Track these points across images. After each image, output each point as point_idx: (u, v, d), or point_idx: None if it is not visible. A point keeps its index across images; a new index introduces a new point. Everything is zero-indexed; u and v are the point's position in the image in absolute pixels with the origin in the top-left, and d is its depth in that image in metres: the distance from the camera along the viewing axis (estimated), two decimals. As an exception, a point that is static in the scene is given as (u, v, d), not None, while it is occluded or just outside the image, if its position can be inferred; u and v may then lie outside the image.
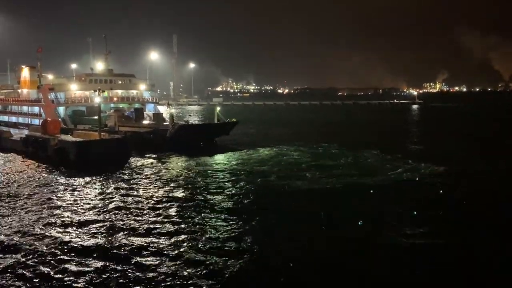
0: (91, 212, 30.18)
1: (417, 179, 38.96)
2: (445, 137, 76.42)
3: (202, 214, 28.94)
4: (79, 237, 24.90)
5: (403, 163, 45.48)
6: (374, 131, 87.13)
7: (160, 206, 31.15)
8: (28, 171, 45.56)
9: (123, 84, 77.04)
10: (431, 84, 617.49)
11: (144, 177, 41.63)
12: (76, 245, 23.56)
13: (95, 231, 26.01)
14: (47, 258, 21.94)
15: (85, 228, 26.55)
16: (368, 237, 24.12)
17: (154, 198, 33.32)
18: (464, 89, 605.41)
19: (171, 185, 37.87)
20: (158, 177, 41.16)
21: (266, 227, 26.10)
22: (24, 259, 21.79)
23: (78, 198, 33.96)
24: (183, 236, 24.66)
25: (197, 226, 26.41)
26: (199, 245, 23.17)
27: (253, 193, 34.43)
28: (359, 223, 26.40)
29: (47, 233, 25.65)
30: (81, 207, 31.45)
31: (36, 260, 21.64)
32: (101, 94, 53.49)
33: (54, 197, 34.39)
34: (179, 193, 34.84)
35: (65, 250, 22.88)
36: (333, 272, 20.12)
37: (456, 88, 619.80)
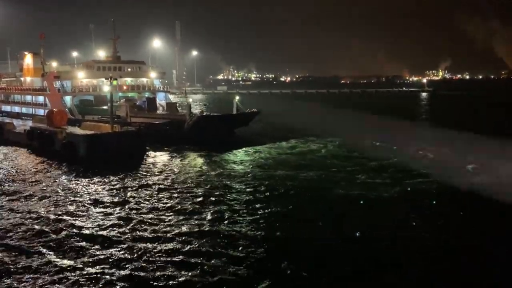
0: (102, 214, 27.24)
1: (497, 182, 33.01)
2: (487, 126, 69.31)
3: (222, 219, 25.80)
4: (88, 240, 22.82)
5: (465, 161, 39.69)
6: (402, 121, 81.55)
7: (178, 210, 27.62)
8: (33, 168, 41.24)
9: (133, 71, 72.17)
10: (433, 71, 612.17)
11: (162, 175, 37.26)
12: (84, 248, 21.77)
13: (105, 233, 23.63)
14: (52, 262, 20.24)
15: (95, 231, 24.08)
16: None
17: (173, 202, 29.33)
18: (467, 77, 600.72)
19: (192, 186, 33.45)
20: (177, 176, 36.74)
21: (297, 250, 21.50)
22: (27, 264, 20.15)
23: (89, 199, 30.33)
24: (198, 242, 22.28)
25: (214, 231, 23.66)
26: (213, 252, 21.16)
27: (285, 200, 29.62)
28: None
29: (54, 235, 23.44)
30: (92, 209, 28.25)
31: (39, 264, 20.04)
32: (112, 83, 48.73)
33: (63, 197, 30.81)
34: (201, 196, 30.54)
35: (73, 252, 21.23)
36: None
37: (459, 75, 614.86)
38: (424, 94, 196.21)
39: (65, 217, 26.59)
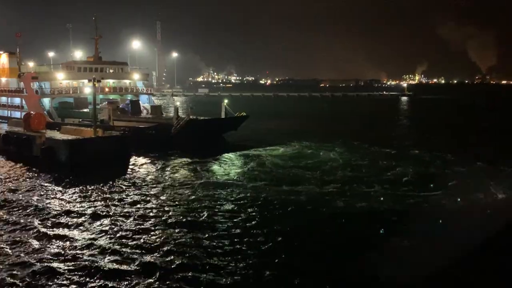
0: (83, 225, 25.37)
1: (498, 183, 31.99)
2: (479, 130, 69.34)
3: (210, 228, 24.63)
4: (69, 254, 21.23)
5: (472, 168, 38.07)
6: (395, 125, 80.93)
7: (164, 221, 25.81)
8: (9, 175, 38.34)
9: (115, 73, 69.16)
10: (410, 76, 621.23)
11: (147, 183, 35.05)
12: (64, 263, 20.21)
13: (88, 247, 22.01)
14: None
15: (77, 245, 22.33)
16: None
17: (158, 213, 27.40)
18: (443, 81, 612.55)
19: (180, 196, 31.28)
20: (164, 185, 34.54)
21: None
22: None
23: (70, 210, 28.19)
24: (185, 253, 21.09)
25: (201, 247, 21.89)
26: (209, 254, 20.81)
27: (279, 213, 27.69)
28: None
29: (32, 250, 21.74)
30: (72, 220, 26.19)
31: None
32: (96, 84, 46.08)
33: (42, 208, 28.49)
34: (188, 207, 28.59)
35: (53, 269, 19.51)
36: None
37: (435, 80, 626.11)
38: (404, 98, 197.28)
39: (42, 229, 24.51)
